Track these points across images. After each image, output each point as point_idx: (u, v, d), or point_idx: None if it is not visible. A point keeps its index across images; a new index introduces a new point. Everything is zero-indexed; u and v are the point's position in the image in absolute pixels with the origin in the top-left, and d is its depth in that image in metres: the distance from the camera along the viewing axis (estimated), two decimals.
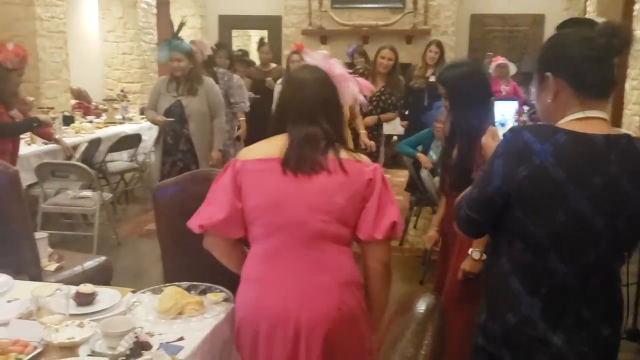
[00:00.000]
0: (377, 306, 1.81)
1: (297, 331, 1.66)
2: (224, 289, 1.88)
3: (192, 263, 2.31)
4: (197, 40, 5.35)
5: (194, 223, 1.77)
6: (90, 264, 3.10)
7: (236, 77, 5.68)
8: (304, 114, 1.76)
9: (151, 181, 6.40)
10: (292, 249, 1.71)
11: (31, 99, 5.56)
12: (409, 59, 9.40)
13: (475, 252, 2.37)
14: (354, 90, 1.87)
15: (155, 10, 8.98)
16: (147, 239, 5.21)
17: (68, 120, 5.90)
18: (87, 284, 1.86)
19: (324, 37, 9.54)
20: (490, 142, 1.64)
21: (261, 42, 7.15)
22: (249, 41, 11.44)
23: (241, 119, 5.56)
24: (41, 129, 4.47)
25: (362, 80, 1.95)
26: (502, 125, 1.72)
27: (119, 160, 6.08)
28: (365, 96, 1.97)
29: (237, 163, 1.79)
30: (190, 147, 4.49)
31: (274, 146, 1.76)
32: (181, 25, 4.86)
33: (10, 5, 6.20)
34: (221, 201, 1.75)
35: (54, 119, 5.64)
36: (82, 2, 8.66)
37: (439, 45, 5.96)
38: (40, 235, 2.85)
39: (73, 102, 7.09)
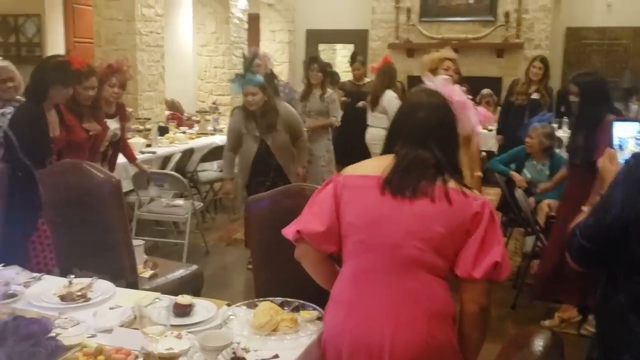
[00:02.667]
0: (469, 347, 1.72)
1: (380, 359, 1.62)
2: (317, 307, 1.87)
3: (283, 277, 2.31)
4: (262, 54, 5.41)
5: (291, 229, 1.77)
6: (182, 272, 3.17)
7: (330, 91, 5.69)
8: (415, 137, 1.72)
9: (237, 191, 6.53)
10: (382, 272, 1.66)
11: (130, 109, 5.82)
12: (500, 73, 9.18)
13: None
14: (473, 119, 1.81)
15: (246, 26, 9.23)
16: (234, 248, 5.33)
17: (163, 131, 6.14)
18: (185, 295, 1.89)
19: (410, 50, 9.47)
20: (608, 165, 1.54)
21: (353, 57, 7.03)
22: (334, 55, 11.54)
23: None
24: (127, 150, 4.46)
25: (482, 110, 1.87)
26: (621, 147, 1.61)
27: (210, 170, 6.24)
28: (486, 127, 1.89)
29: (340, 177, 1.78)
30: (279, 172, 4.44)
31: (378, 165, 1.74)
32: (252, 58, 4.83)
33: (114, 21, 6.56)
34: (321, 214, 1.74)
35: (148, 130, 5.89)
36: (179, 18, 9.05)
37: (544, 61, 5.72)
38: (137, 242, 2.95)
39: (167, 113, 7.38)
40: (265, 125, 4.33)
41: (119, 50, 6.45)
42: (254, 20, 10.07)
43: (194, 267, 3.27)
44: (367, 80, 6.84)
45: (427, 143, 1.71)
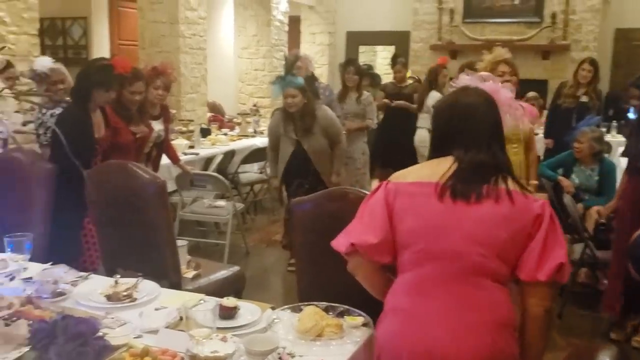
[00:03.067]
0: (532, 354, 1.66)
1: None
2: (363, 313, 1.83)
3: (326, 281, 2.30)
4: (303, 56, 5.38)
5: (343, 242, 1.72)
6: (224, 273, 3.18)
7: (367, 93, 5.66)
8: (476, 140, 1.67)
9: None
10: (444, 282, 1.61)
11: (174, 111, 5.89)
12: (546, 76, 8.97)
13: None
14: (518, 115, 1.76)
15: (287, 28, 9.26)
16: (274, 249, 5.33)
17: (205, 133, 6.19)
18: (230, 298, 1.88)
19: (453, 52, 9.34)
20: None
21: (394, 60, 6.91)
22: (374, 57, 11.49)
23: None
24: (169, 152, 4.46)
25: (527, 105, 1.81)
26: None
27: (250, 172, 6.28)
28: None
29: (390, 185, 1.73)
30: (317, 175, 4.45)
31: (431, 170, 1.69)
32: (294, 61, 4.94)
33: (158, 24, 6.65)
34: (374, 224, 1.69)
35: (191, 131, 5.95)
36: (220, 21, 9.13)
37: (593, 63, 5.55)
38: (180, 243, 2.96)
39: (209, 115, 7.45)
40: (303, 128, 4.37)
41: (163, 52, 6.54)
42: (294, 23, 10.09)
43: (236, 268, 3.27)
44: (410, 81, 6.78)
45: (489, 144, 1.66)
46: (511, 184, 1.64)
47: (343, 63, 5.89)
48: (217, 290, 3.07)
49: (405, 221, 1.67)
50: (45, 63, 3.97)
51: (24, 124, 3.22)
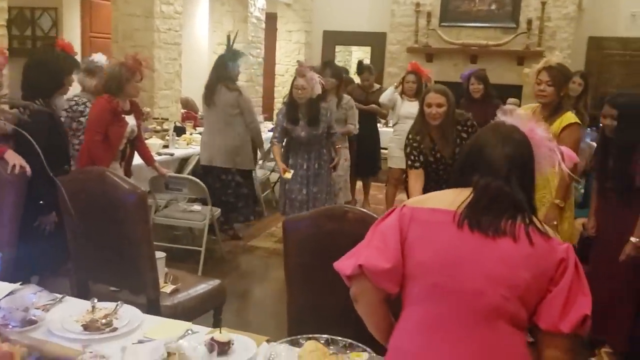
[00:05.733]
0: None
1: None
2: (367, 348, 1.70)
3: (318, 304, 2.16)
4: (309, 76, 4.70)
5: (348, 263, 1.57)
6: (204, 287, 3.01)
7: (347, 97, 5.51)
8: (497, 169, 1.57)
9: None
10: (457, 321, 1.47)
11: (147, 109, 5.67)
12: (520, 81, 8.96)
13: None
14: (553, 158, 1.65)
15: (263, 25, 9.06)
16: (250, 255, 5.18)
17: (179, 131, 5.97)
18: (223, 331, 1.73)
19: (429, 55, 9.31)
20: None
21: (360, 68, 6.47)
22: (349, 57, 11.37)
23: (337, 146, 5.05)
24: (142, 151, 4.31)
25: (565, 148, 1.71)
26: None
27: None
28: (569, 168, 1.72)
29: (405, 209, 1.60)
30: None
31: (452, 199, 1.57)
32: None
33: (132, 17, 6.41)
34: (385, 249, 1.55)
35: (165, 130, 5.74)
36: (195, 16, 8.89)
37: (584, 76, 5.37)
38: (158, 255, 2.79)
39: (182, 111, 7.22)
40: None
41: (136, 46, 6.29)
42: (271, 20, 9.90)
43: (216, 281, 3.11)
44: (377, 86, 6.54)
45: (507, 177, 1.55)
46: (533, 224, 1.52)
47: (320, 66, 5.71)
48: (197, 306, 2.92)
49: (419, 251, 1.54)
50: (101, 59, 4.37)
51: None
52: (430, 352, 1.48)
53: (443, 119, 3.58)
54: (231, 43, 5.31)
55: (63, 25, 7.81)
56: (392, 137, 5.93)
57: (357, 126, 5.62)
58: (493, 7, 9.12)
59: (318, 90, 4.59)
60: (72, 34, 7.80)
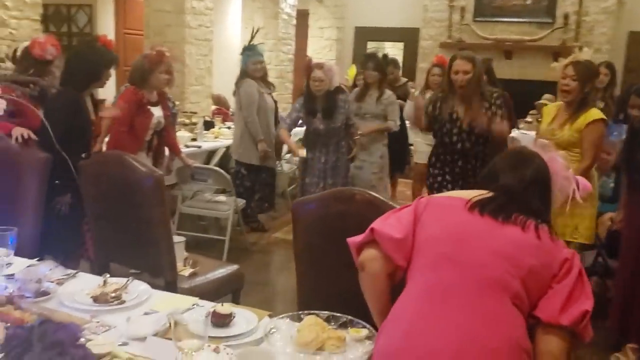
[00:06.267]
0: None
1: None
2: (367, 325, 1.70)
3: (328, 287, 2.17)
4: (326, 67, 4.79)
5: (361, 235, 1.66)
6: (222, 271, 3.05)
7: (389, 92, 5.24)
8: (515, 178, 1.66)
9: (280, 188, 6.46)
10: (461, 289, 1.48)
11: (177, 103, 5.76)
12: (556, 77, 8.80)
13: None
14: (569, 189, 1.69)
15: (294, 22, 9.11)
16: (275, 247, 5.22)
17: (208, 125, 6.06)
18: (225, 304, 1.76)
19: (462, 50, 9.18)
20: None
21: (385, 61, 6.22)
22: (382, 52, 11.32)
23: (356, 137, 5.04)
24: (169, 142, 4.34)
25: (582, 179, 1.73)
26: None
27: None
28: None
29: (423, 199, 1.69)
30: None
31: (468, 194, 1.65)
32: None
33: (163, 13, 6.52)
34: (399, 224, 1.62)
35: (194, 124, 5.83)
36: (227, 12, 8.98)
37: (610, 67, 5.27)
38: (178, 239, 2.84)
39: (213, 107, 7.32)
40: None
41: (167, 42, 6.39)
42: (302, 17, 9.95)
43: (235, 266, 3.15)
44: (403, 80, 6.45)
45: (528, 188, 1.64)
46: (543, 226, 1.56)
47: (362, 59, 5.64)
48: (214, 289, 2.95)
49: (429, 227, 1.61)
50: None
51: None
52: (429, 318, 1.48)
53: (468, 85, 3.64)
54: (251, 38, 5.39)
55: (97, 21, 8.02)
56: (418, 132, 5.87)
57: (398, 122, 5.36)
58: (528, 1, 8.98)
59: (336, 82, 4.66)
60: (106, 31, 7.99)
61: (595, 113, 3.46)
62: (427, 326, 1.47)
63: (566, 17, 8.62)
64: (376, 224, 1.64)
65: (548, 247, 1.52)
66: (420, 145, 5.70)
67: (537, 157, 1.71)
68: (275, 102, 5.36)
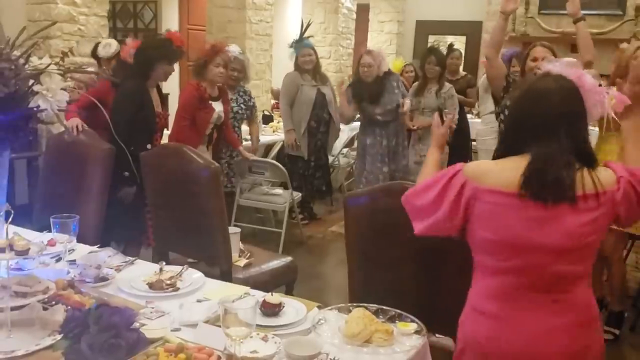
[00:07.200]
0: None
1: None
2: (415, 319, 1.69)
3: (379, 279, 2.17)
4: (374, 52, 5.02)
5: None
6: (276, 263, 3.09)
7: (448, 85, 5.18)
8: (545, 129, 1.55)
9: (337, 182, 6.48)
10: (530, 291, 1.57)
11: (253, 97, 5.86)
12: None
13: None
14: (605, 105, 1.58)
15: (354, 16, 9.09)
16: (330, 240, 5.24)
17: (267, 119, 6.14)
18: (275, 294, 1.78)
19: (527, 44, 8.87)
20: None
21: (450, 48, 6.58)
22: (444, 47, 11.13)
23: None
24: (228, 135, 4.46)
25: (616, 92, 1.64)
26: None
27: None
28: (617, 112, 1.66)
29: (468, 185, 1.58)
30: (327, 128, 5.33)
31: (510, 173, 1.55)
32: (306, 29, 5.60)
33: (224, 9, 6.64)
34: (438, 207, 1.61)
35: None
36: (288, 7, 9.05)
37: None
38: (233, 230, 2.90)
39: (273, 102, 7.40)
40: (320, 78, 5.32)
41: (229, 37, 6.51)
42: (363, 11, 9.91)
43: (289, 258, 3.18)
44: (462, 73, 6.34)
45: (559, 135, 1.53)
46: (588, 179, 1.53)
47: (424, 52, 5.58)
48: (268, 280, 2.99)
49: (483, 228, 1.58)
50: (234, 50, 4.77)
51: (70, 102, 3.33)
52: (510, 313, 1.58)
53: None
54: (302, 32, 5.48)
55: (162, 17, 8.23)
56: (481, 128, 5.75)
57: (457, 117, 5.24)
58: None
59: (385, 67, 4.80)
60: (170, 26, 8.20)
61: None
62: (512, 323, 1.59)
63: (637, 9, 8.25)
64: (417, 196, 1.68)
65: (608, 203, 1.54)
66: (484, 143, 5.57)
67: (564, 82, 1.59)
68: (324, 94, 5.32)
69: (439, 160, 1.97)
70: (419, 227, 1.65)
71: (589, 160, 1.56)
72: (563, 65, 1.60)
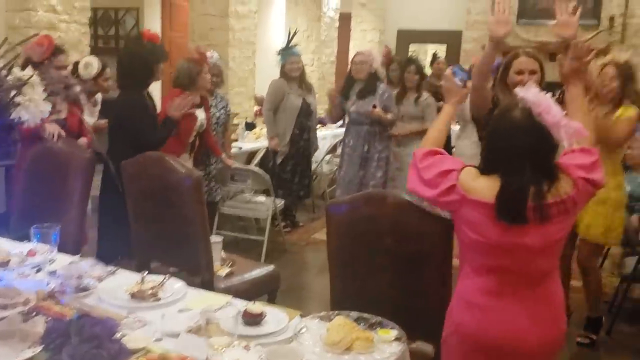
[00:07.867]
0: None
1: (532, 353, 1.75)
2: (396, 326, 1.72)
3: (360, 287, 2.19)
4: (366, 51, 5.24)
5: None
6: (259, 272, 3.09)
7: (426, 94, 5.26)
8: (511, 164, 1.71)
9: (320, 189, 6.50)
10: (511, 288, 1.76)
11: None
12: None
13: None
14: (565, 137, 1.71)
15: (337, 25, 9.15)
16: (313, 248, 5.25)
17: (250, 127, 6.15)
18: (257, 303, 1.79)
19: (506, 53, 8.99)
20: None
21: (434, 57, 7.09)
22: (424, 55, 11.25)
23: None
24: (209, 142, 4.44)
25: (576, 124, 1.72)
26: None
27: None
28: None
29: (457, 189, 1.76)
30: (309, 136, 5.42)
31: (489, 187, 1.72)
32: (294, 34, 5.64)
33: (207, 16, 6.64)
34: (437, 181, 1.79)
35: (236, 125, 5.92)
36: (271, 15, 9.07)
37: None
38: (215, 239, 2.90)
39: (255, 108, 7.41)
40: (306, 88, 5.42)
41: (211, 45, 6.51)
42: (345, 20, 9.97)
43: (271, 267, 3.19)
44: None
45: (524, 169, 1.69)
46: (552, 197, 1.68)
47: (403, 61, 5.66)
48: (251, 289, 2.99)
49: (468, 231, 1.77)
50: (213, 55, 4.86)
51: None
52: (498, 305, 1.75)
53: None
54: (289, 40, 5.53)
55: (144, 25, 8.20)
56: (464, 135, 5.80)
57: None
58: (573, 3, 8.79)
59: (378, 62, 5.02)
60: None
61: (630, 109, 3.40)
62: (502, 313, 1.77)
63: (612, 19, 8.44)
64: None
65: (571, 211, 1.73)
66: (464, 149, 5.63)
67: (528, 120, 1.70)
68: (309, 104, 5.37)
69: (450, 115, 2.14)
70: (427, 194, 1.82)
71: (551, 174, 1.71)
72: (531, 95, 1.70)
